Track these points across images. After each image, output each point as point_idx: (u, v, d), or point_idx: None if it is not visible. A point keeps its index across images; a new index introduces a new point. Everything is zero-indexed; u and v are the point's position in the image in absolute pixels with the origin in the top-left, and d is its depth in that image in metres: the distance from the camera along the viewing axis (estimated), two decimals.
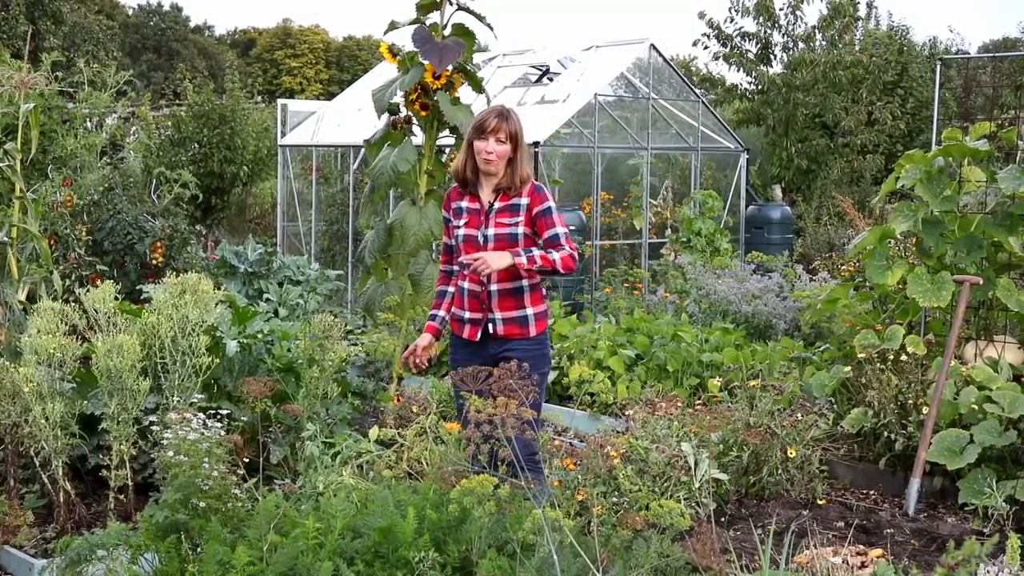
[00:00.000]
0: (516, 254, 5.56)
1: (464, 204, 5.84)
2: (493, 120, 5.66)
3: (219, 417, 5.60)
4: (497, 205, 5.76)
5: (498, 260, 5.52)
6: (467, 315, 5.82)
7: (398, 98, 7.55)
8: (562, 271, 5.66)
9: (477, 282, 5.75)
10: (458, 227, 5.84)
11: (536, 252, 5.60)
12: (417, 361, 5.96)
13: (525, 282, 5.76)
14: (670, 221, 15.11)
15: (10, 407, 5.95)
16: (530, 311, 5.78)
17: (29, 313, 6.88)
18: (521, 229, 5.72)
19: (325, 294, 12.59)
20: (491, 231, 5.73)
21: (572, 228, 12.81)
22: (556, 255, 5.61)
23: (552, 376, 9.41)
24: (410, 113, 7.61)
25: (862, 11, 23.30)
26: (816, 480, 6.97)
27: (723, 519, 6.49)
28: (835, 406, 7.56)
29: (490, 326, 5.76)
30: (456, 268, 5.95)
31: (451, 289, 6.00)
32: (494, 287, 5.72)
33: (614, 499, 5.75)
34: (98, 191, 11.44)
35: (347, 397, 7.51)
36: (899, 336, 7.54)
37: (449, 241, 5.99)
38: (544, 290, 5.93)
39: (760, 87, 20.48)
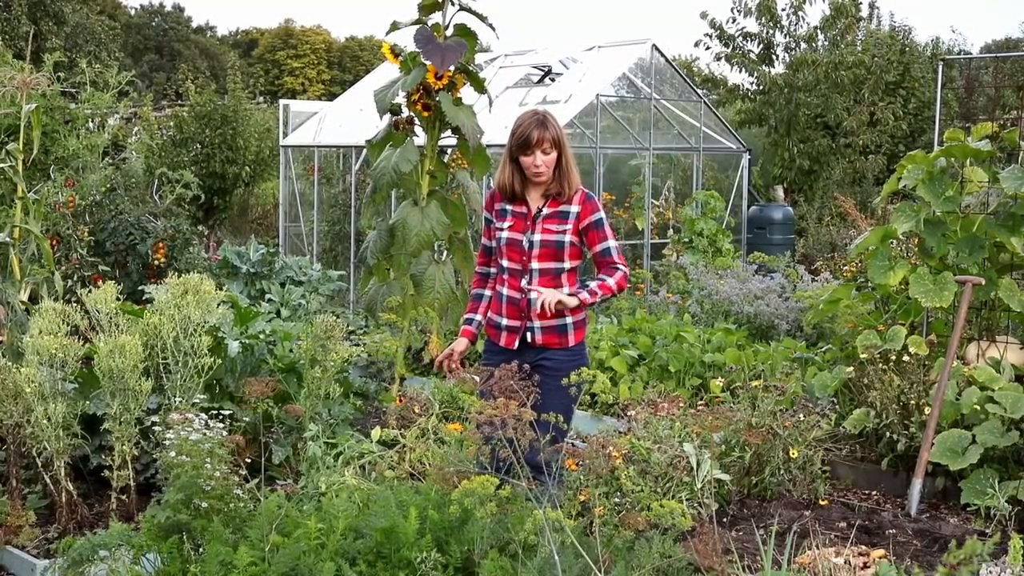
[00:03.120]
0: (577, 293, 5.45)
1: (509, 206, 5.70)
2: (535, 132, 5.47)
3: (221, 417, 5.59)
4: (546, 211, 5.61)
5: (566, 300, 5.37)
6: (505, 322, 5.71)
7: (400, 99, 7.55)
8: (618, 293, 5.59)
9: (517, 289, 5.64)
10: (501, 229, 5.69)
11: (594, 285, 5.46)
12: (453, 366, 5.85)
13: (566, 290, 5.62)
14: (672, 222, 15.12)
15: (12, 407, 5.95)
16: (569, 320, 5.64)
17: (31, 314, 6.89)
18: (568, 238, 5.58)
19: (327, 295, 12.58)
20: (537, 237, 5.59)
21: None
22: (612, 281, 5.49)
23: None
24: (412, 114, 7.60)
25: (864, 11, 23.31)
26: (818, 480, 6.97)
27: (725, 519, 6.50)
28: (837, 407, 7.56)
29: (528, 335, 5.64)
30: (493, 270, 5.85)
31: (488, 292, 5.88)
32: (534, 295, 5.55)
33: (616, 500, 5.74)
34: (100, 192, 11.46)
35: (349, 398, 7.51)
36: (901, 336, 7.54)
37: (488, 242, 5.84)
38: None
39: (762, 87, 20.48)
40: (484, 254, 5.92)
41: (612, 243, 5.62)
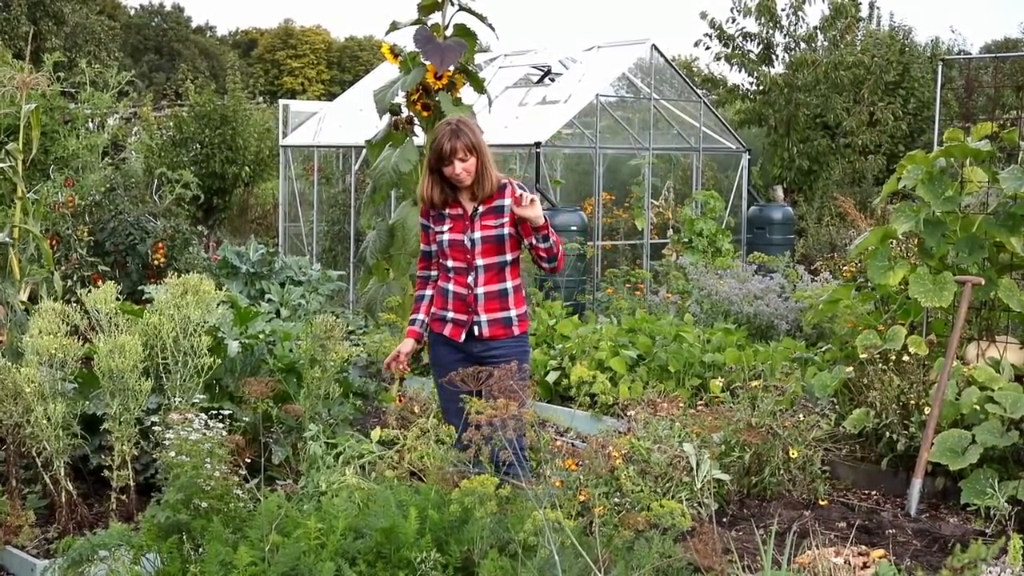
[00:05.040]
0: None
1: (446, 210, 5.85)
2: (447, 144, 5.65)
3: (221, 417, 5.60)
4: (481, 209, 5.78)
5: (539, 212, 5.56)
6: (451, 315, 5.85)
7: (400, 98, 7.56)
8: (559, 263, 5.79)
9: (463, 285, 5.79)
10: (441, 232, 5.84)
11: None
12: (400, 367, 6.02)
13: (509, 284, 5.83)
14: (672, 222, 15.11)
15: (12, 407, 5.95)
16: (514, 312, 5.84)
17: (31, 314, 6.89)
18: (506, 230, 5.77)
19: (327, 294, 12.59)
20: (478, 234, 5.76)
21: (573, 229, 12.85)
22: (556, 238, 5.72)
23: (554, 377, 9.45)
24: (412, 114, 7.61)
25: (863, 12, 23.31)
26: (818, 480, 6.97)
27: (725, 519, 6.50)
28: (837, 407, 7.56)
29: (475, 328, 5.80)
30: (433, 273, 6.00)
31: (429, 292, 6.03)
32: (480, 290, 5.77)
33: (616, 500, 5.75)
34: (100, 192, 11.45)
35: (349, 398, 7.51)
36: (901, 336, 7.54)
37: (427, 248, 6.00)
38: (524, 292, 6.02)
39: (762, 87, 20.49)
40: (424, 259, 6.08)
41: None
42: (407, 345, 6.00)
